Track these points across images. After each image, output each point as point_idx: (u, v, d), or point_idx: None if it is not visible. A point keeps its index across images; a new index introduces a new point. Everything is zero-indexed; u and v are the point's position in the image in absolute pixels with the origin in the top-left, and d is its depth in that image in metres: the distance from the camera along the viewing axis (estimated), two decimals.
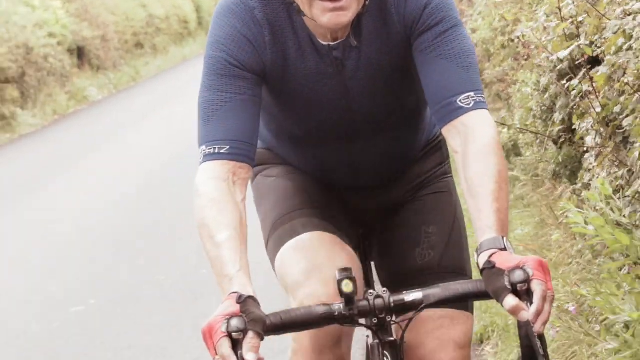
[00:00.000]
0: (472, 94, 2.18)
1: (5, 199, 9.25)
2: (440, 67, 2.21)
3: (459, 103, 2.17)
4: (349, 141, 2.44)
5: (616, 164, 3.38)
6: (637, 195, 3.06)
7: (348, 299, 2.05)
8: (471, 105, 2.17)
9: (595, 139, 3.55)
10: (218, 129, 2.21)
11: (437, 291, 2.11)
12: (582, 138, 3.77)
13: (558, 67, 3.97)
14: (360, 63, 2.31)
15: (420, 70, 2.25)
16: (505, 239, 2.06)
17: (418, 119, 2.52)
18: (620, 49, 3.13)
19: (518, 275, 1.95)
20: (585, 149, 3.77)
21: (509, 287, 1.95)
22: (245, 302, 1.99)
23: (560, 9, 3.72)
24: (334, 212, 2.53)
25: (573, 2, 3.74)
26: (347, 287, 2.04)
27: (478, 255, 2.05)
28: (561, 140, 4.33)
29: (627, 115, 3.10)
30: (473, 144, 2.14)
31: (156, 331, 5.21)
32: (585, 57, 3.58)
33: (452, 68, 2.20)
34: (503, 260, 1.99)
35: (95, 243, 7.22)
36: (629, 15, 3.10)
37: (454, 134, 2.19)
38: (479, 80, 2.23)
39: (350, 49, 2.30)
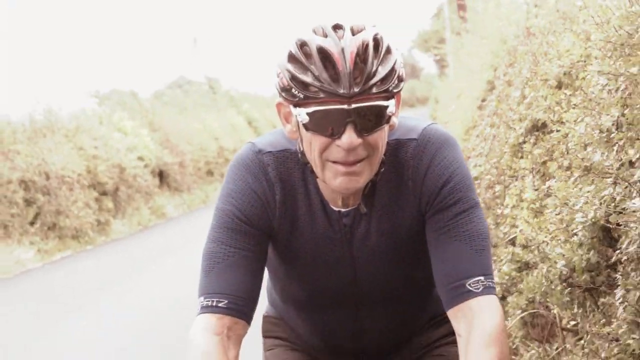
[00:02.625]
0: (482, 278, 2.10)
1: (104, 285, 10.98)
2: (453, 248, 2.13)
3: (468, 287, 2.10)
4: (353, 308, 2.36)
5: None
6: None
7: None
8: (480, 289, 2.09)
9: None
10: (218, 282, 2.15)
11: None
12: None
13: None
14: (369, 232, 2.24)
15: (432, 249, 2.17)
16: None
17: (425, 292, 2.43)
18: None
19: None
20: None
21: None
22: None
23: None
24: None
25: None
26: None
27: None
28: None
29: None
30: (477, 330, 2.06)
31: None
32: None
33: (465, 251, 2.12)
34: None
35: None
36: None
37: (459, 317, 2.11)
38: (491, 264, 2.15)
39: (360, 217, 2.23)
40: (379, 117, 2.05)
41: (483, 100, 7.66)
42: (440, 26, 39.86)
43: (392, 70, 2.06)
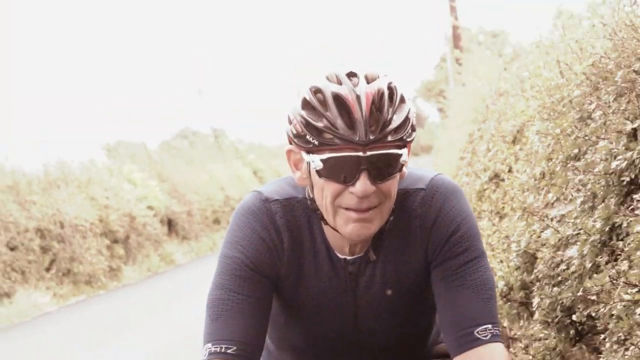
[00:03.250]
0: (489, 326, 2.11)
1: (116, 329, 11.55)
2: (461, 297, 2.12)
3: (476, 334, 2.10)
4: (353, 357, 2.34)
5: None
6: None
7: None
8: (488, 337, 2.09)
9: None
10: (226, 329, 2.12)
11: None
12: None
13: None
14: (374, 280, 2.22)
15: (439, 297, 2.16)
16: None
17: (423, 340, 2.43)
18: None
19: None
20: None
21: None
22: None
23: None
24: None
25: None
26: None
27: None
28: None
29: None
30: None
31: None
32: None
33: (472, 299, 2.11)
34: None
35: None
36: None
37: None
38: (497, 313, 2.16)
39: (366, 264, 2.21)
40: (392, 165, 2.05)
41: (464, 152, 8.47)
42: (442, 76, 40.84)
43: (406, 119, 2.05)
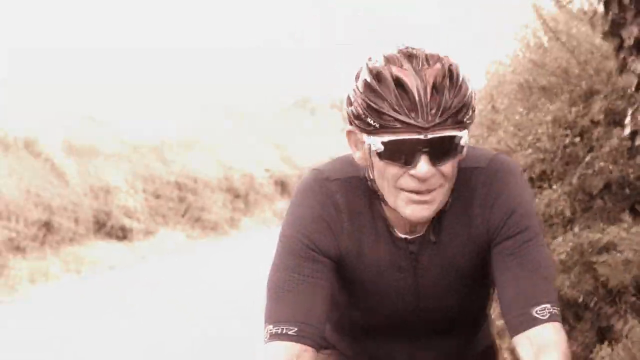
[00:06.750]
0: (548, 305, 2.08)
1: (236, 261, 14.62)
2: (520, 275, 2.10)
3: (535, 314, 2.07)
4: (411, 337, 2.33)
5: None
6: None
7: None
8: (546, 317, 2.07)
9: None
10: (287, 310, 2.10)
11: None
12: None
13: None
14: (435, 260, 2.20)
15: (498, 276, 2.13)
16: None
17: (479, 323, 2.42)
18: None
19: None
20: None
21: None
22: None
23: None
24: None
25: None
26: None
27: None
28: None
29: None
30: (544, 357, 2.05)
31: None
32: None
33: (532, 278, 2.09)
34: None
35: None
36: None
37: (525, 345, 2.07)
38: (555, 292, 2.14)
39: (427, 244, 2.19)
40: (452, 147, 2.02)
41: None
42: None
43: (467, 101, 2.03)
